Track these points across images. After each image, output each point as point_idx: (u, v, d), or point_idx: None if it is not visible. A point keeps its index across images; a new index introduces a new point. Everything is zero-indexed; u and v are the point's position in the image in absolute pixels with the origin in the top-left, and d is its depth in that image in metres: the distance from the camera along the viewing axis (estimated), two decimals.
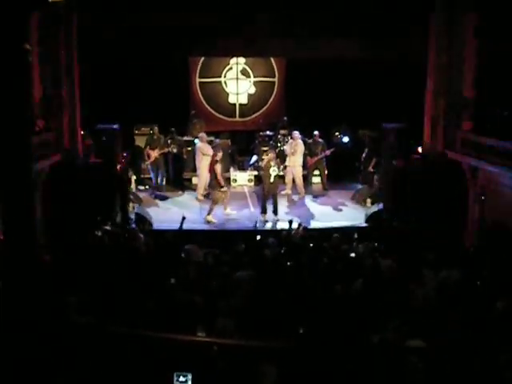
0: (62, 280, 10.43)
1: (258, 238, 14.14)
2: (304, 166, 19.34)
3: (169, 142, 19.96)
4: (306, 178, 19.68)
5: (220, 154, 17.18)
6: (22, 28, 6.46)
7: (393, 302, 9.57)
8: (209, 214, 16.74)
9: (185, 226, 14.37)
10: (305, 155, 19.30)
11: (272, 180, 16.77)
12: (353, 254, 12.73)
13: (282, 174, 18.01)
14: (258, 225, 14.87)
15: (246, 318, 9.08)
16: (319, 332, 8.71)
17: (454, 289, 10.23)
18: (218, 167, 16.92)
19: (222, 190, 16.76)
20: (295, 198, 18.90)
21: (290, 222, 14.54)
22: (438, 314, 9.24)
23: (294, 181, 19.03)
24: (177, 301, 9.65)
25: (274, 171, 16.72)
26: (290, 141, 19.25)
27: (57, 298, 9.15)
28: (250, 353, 7.25)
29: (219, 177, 16.76)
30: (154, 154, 19.50)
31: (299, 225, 14.54)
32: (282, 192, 18.57)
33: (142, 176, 20.25)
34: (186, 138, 20.49)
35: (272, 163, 16.78)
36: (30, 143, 6.67)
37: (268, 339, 8.01)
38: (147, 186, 20.03)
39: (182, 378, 6.74)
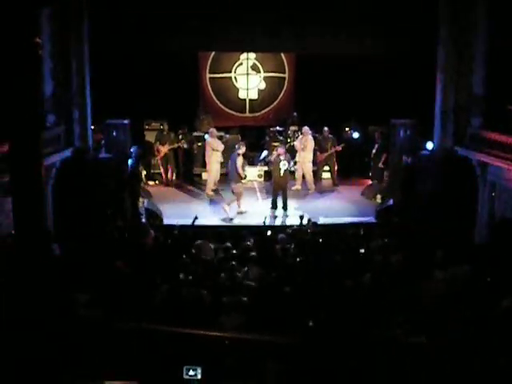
0: (72, 275, 10.50)
1: (269, 233, 14.18)
2: (314, 162, 19.34)
3: (180, 137, 20.04)
4: (316, 174, 19.70)
5: (243, 148, 17.28)
6: (32, 22, 6.48)
7: (401, 298, 9.58)
8: (228, 204, 16.94)
9: (195, 222, 14.47)
10: (315, 151, 19.31)
11: (281, 174, 16.78)
12: (362, 250, 12.75)
13: (292, 169, 18.03)
14: (266, 221, 14.85)
15: (253, 314, 9.11)
16: (326, 327, 8.73)
17: (463, 285, 10.24)
18: (240, 160, 17.03)
19: (243, 182, 17.07)
20: (305, 193, 18.90)
21: (301, 218, 14.57)
22: (445, 312, 9.25)
23: (303, 176, 19.05)
24: (184, 296, 9.70)
25: (284, 165, 16.72)
26: (300, 136, 19.28)
27: (66, 293, 9.22)
28: (258, 348, 7.28)
29: (240, 170, 16.87)
30: (164, 149, 19.57)
31: (309, 220, 14.56)
32: (292, 188, 18.59)
33: (152, 171, 20.32)
34: (195, 134, 20.53)
35: (281, 157, 16.79)
36: (40, 138, 6.70)
37: (275, 334, 8.05)
38: (157, 181, 20.09)
39: (191, 372, 6.77)
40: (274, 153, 17.46)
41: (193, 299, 9.52)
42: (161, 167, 19.95)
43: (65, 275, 10.35)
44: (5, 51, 6.43)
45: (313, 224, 14.36)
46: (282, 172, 16.76)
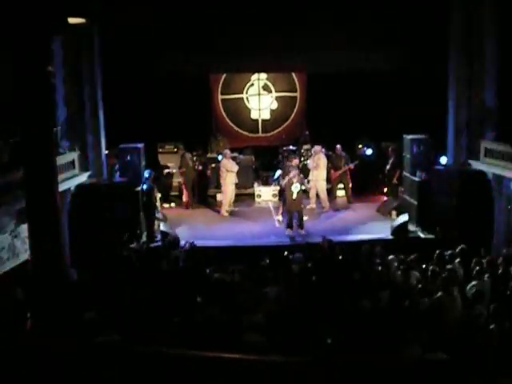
0: (89, 299, 10.50)
1: (285, 253, 14.13)
2: (328, 180, 19.29)
3: (194, 158, 20.10)
4: (331, 192, 19.63)
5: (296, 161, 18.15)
6: (45, 51, 6.53)
7: (420, 314, 9.51)
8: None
9: (211, 243, 14.48)
10: (329, 169, 19.27)
11: (294, 197, 16.71)
12: (379, 267, 12.67)
13: (305, 188, 17.99)
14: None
15: (272, 334, 9.06)
16: (346, 345, 8.68)
17: (483, 301, 10.15)
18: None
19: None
20: (319, 211, 18.83)
21: (323, 238, 14.46)
22: (465, 327, 9.17)
23: (317, 195, 19.00)
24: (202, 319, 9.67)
25: (296, 188, 16.65)
26: (312, 155, 19.22)
27: (82, 316, 9.21)
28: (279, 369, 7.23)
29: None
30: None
31: (324, 238, 14.50)
32: (307, 206, 18.52)
33: (173, 193, 20.35)
34: (209, 155, 20.56)
35: (294, 180, 16.73)
36: (54, 165, 6.72)
37: (295, 354, 7.98)
38: (173, 204, 20.07)
39: None
40: (286, 177, 17.30)
41: (210, 322, 9.48)
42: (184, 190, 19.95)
43: (82, 299, 10.36)
44: (18, 80, 6.47)
45: (328, 242, 14.28)
46: (294, 195, 16.69)
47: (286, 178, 17.12)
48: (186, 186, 19.80)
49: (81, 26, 14.56)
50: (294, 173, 16.99)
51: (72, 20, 7.11)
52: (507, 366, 7.34)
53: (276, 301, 10.68)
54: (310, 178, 18.82)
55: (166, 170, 20.31)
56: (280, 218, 17.90)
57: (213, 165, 20.23)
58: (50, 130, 6.66)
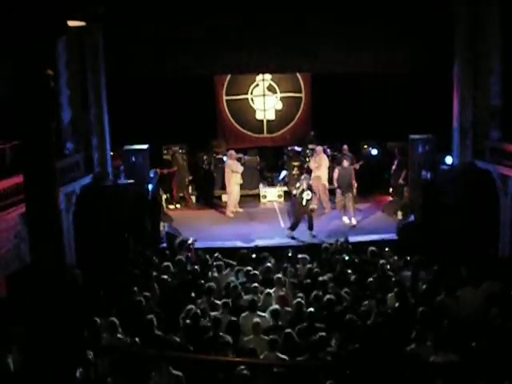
0: (94, 301, 10.51)
1: (290, 253, 14.12)
2: (330, 180, 19.15)
3: (204, 158, 20.14)
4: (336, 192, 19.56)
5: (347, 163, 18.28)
6: (44, 54, 6.48)
7: (427, 315, 9.47)
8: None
9: (216, 244, 14.46)
10: (333, 169, 19.17)
11: (304, 203, 16.64)
12: (388, 266, 12.65)
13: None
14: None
15: (277, 335, 9.05)
16: (353, 346, 8.66)
17: (490, 301, 10.11)
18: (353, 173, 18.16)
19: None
20: (321, 212, 18.64)
21: (346, 239, 14.42)
22: (473, 328, 9.15)
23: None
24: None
25: (307, 195, 16.58)
26: (314, 155, 19.14)
27: (88, 319, 9.22)
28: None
29: (353, 181, 18.13)
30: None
31: (336, 240, 14.52)
32: (310, 207, 18.34)
33: (181, 194, 20.37)
34: (216, 156, 20.56)
35: (305, 187, 16.65)
36: (54, 169, 6.68)
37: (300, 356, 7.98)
38: (178, 205, 20.07)
39: None
40: (299, 186, 17.15)
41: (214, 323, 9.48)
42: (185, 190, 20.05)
43: (88, 302, 10.38)
44: (17, 84, 6.44)
45: (341, 243, 14.26)
46: (304, 201, 16.62)
47: (300, 188, 16.93)
48: (176, 185, 20.02)
49: (84, 28, 14.61)
50: (306, 182, 16.86)
51: (72, 23, 7.06)
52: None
53: (280, 301, 10.70)
54: (311, 178, 18.72)
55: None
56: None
57: (219, 165, 20.24)
58: (50, 133, 6.59)
